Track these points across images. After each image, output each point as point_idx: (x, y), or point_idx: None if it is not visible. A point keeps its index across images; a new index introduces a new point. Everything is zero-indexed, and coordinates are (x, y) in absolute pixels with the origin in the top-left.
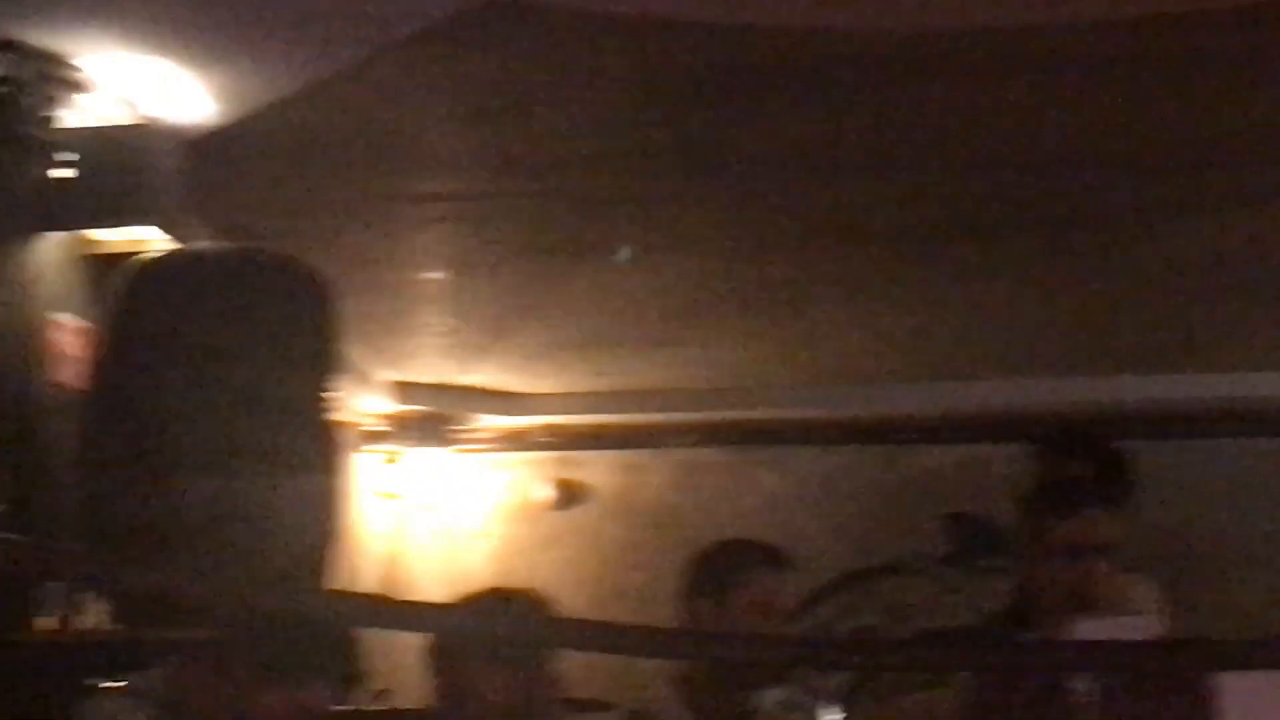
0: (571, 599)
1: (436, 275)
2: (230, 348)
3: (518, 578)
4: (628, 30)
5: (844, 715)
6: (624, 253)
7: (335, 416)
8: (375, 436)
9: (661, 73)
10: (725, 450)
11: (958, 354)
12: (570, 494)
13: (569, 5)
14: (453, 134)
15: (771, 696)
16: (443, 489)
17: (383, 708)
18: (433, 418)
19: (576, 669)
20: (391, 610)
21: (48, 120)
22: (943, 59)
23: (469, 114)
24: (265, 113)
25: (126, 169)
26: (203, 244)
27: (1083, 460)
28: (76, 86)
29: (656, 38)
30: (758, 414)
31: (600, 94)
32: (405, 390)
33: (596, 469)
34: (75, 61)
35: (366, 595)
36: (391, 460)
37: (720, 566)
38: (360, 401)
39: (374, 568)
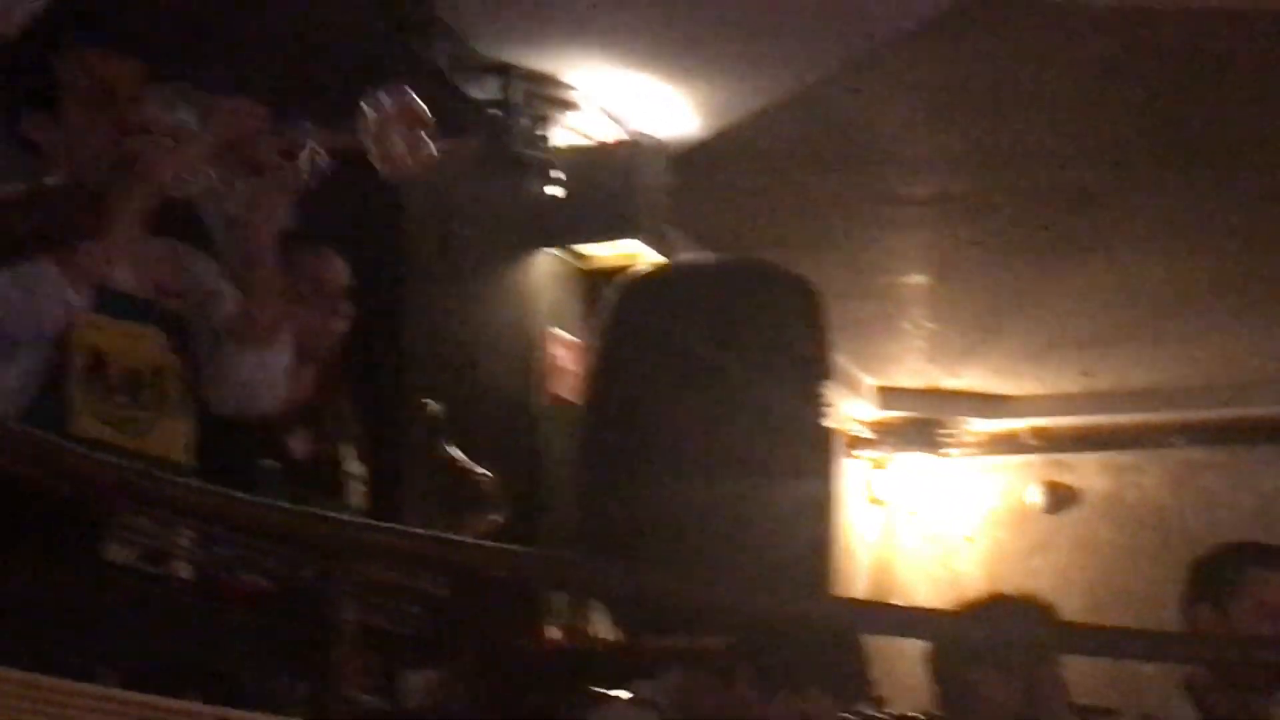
0: (1066, 603)
1: (920, 278)
2: (722, 356)
3: (1009, 583)
4: (1113, 20)
5: None
6: None
7: (826, 423)
8: (863, 443)
9: (1147, 62)
10: (1219, 449)
11: None
12: (1061, 497)
13: None
14: (935, 133)
15: None
16: (931, 494)
17: (885, 715)
18: (919, 423)
19: (1077, 674)
20: (898, 616)
21: (539, 140)
22: None
23: (951, 112)
24: (748, 123)
25: (615, 185)
26: (691, 256)
27: None
28: (565, 105)
29: (1141, 27)
30: (1253, 411)
31: (1085, 86)
32: (891, 395)
33: (1087, 471)
34: (563, 80)
35: (870, 601)
36: (879, 466)
37: (1221, 569)
38: (847, 407)
39: (864, 575)
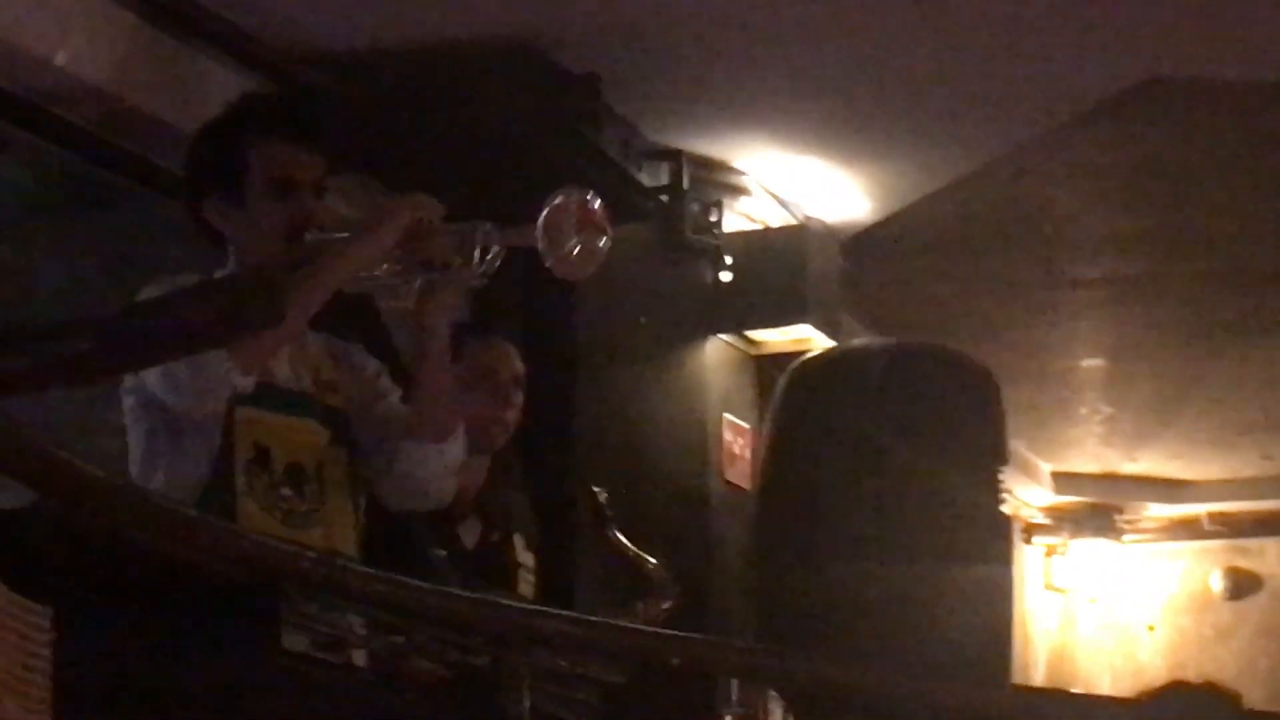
0: (1250, 692)
1: (1096, 362)
2: (898, 442)
3: (1191, 671)
4: None
5: None
6: None
7: (1003, 508)
8: (1040, 529)
9: None
10: None
11: None
12: (1243, 583)
13: (1225, 77)
14: (1109, 215)
15: None
16: (1110, 581)
17: None
18: (1097, 508)
19: None
20: (1078, 705)
21: (710, 225)
22: None
23: (1125, 193)
24: (919, 206)
25: (786, 270)
26: (863, 341)
27: None
28: (735, 190)
29: None
30: None
31: (1259, 164)
32: (1068, 481)
33: (1269, 556)
34: (733, 166)
35: (1051, 690)
36: (1057, 553)
37: None
38: (1024, 493)
39: (1042, 663)
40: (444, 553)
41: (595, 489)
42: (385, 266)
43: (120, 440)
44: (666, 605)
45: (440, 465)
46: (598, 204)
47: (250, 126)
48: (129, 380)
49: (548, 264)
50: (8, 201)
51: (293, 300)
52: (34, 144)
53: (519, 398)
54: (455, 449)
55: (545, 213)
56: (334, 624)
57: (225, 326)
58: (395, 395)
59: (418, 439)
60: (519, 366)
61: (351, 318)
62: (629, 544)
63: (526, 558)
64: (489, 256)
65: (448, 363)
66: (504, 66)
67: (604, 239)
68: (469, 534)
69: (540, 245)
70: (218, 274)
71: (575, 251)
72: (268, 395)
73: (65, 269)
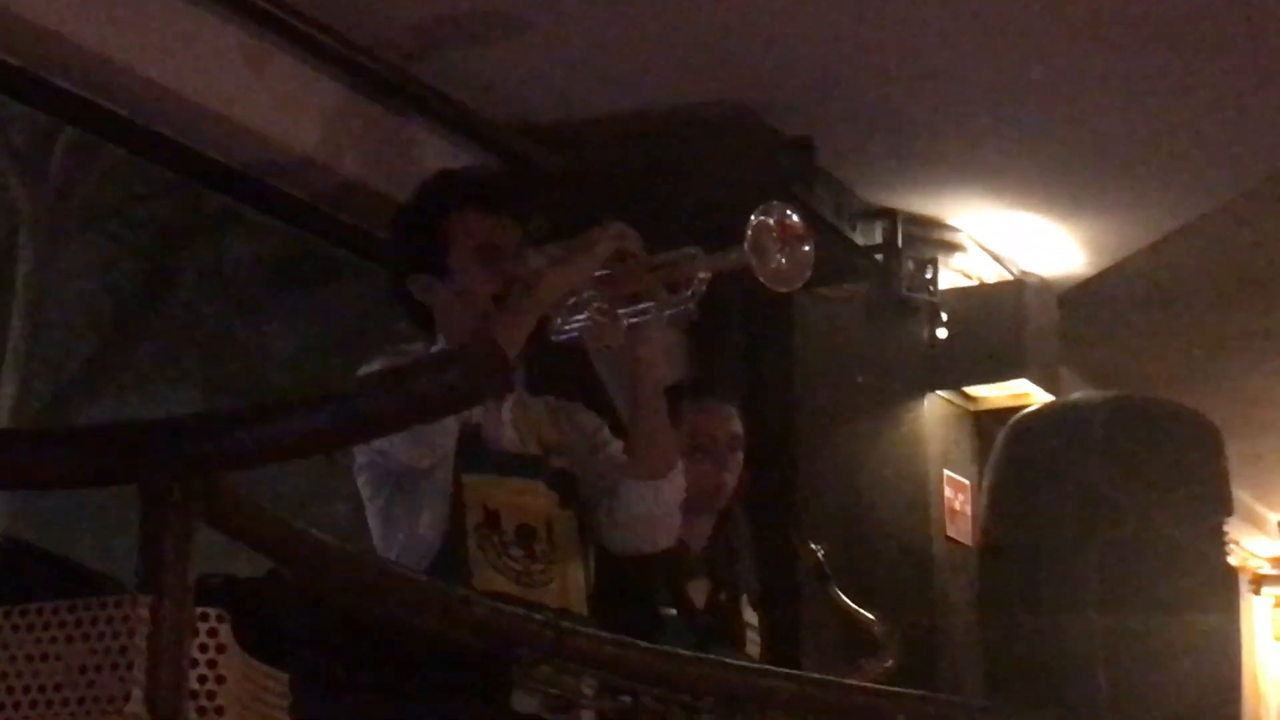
0: None
1: None
2: (1122, 494)
3: None
4: None
5: None
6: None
7: (1228, 558)
8: (1268, 579)
9: None
10: None
11: None
12: None
13: None
14: None
15: None
16: None
17: None
18: None
19: None
20: None
21: (925, 282)
22: None
23: None
24: (1135, 259)
25: (1003, 325)
26: (1084, 394)
27: None
28: (950, 247)
29: None
30: None
31: None
32: None
33: None
34: (947, 223)
35: None
36: None
37: None
38: (1250, 543)
39: (1275, 715)
40: (675, 611)
41: (814, 546)
42: (593, 305)
43: (350, 505)
44: (889, 664)
45: (659, 502)
46: (795, 216)
47: (448, 201)
48: (360, 456)
49: (761, 278)
50: (240, 276)
51: (510, 343)
52: (260, 220)
53: (737, 460)
54: (673, 486)
55: (750, 231)
56: (564, 686)
57: (456, 398)
58: (616, 446)
59: (636, 478)
60: (736, 429)
61: (571, 379)
62: (849, 602)
63: (752, 618)
64: (696, 284)
65: (662, 397)
66: (717, 132)
67: (808, 245)
68: (698, 593)
69: (749, 259)
70: (433, 349)
71: (784, 263)
72: (494, 460)
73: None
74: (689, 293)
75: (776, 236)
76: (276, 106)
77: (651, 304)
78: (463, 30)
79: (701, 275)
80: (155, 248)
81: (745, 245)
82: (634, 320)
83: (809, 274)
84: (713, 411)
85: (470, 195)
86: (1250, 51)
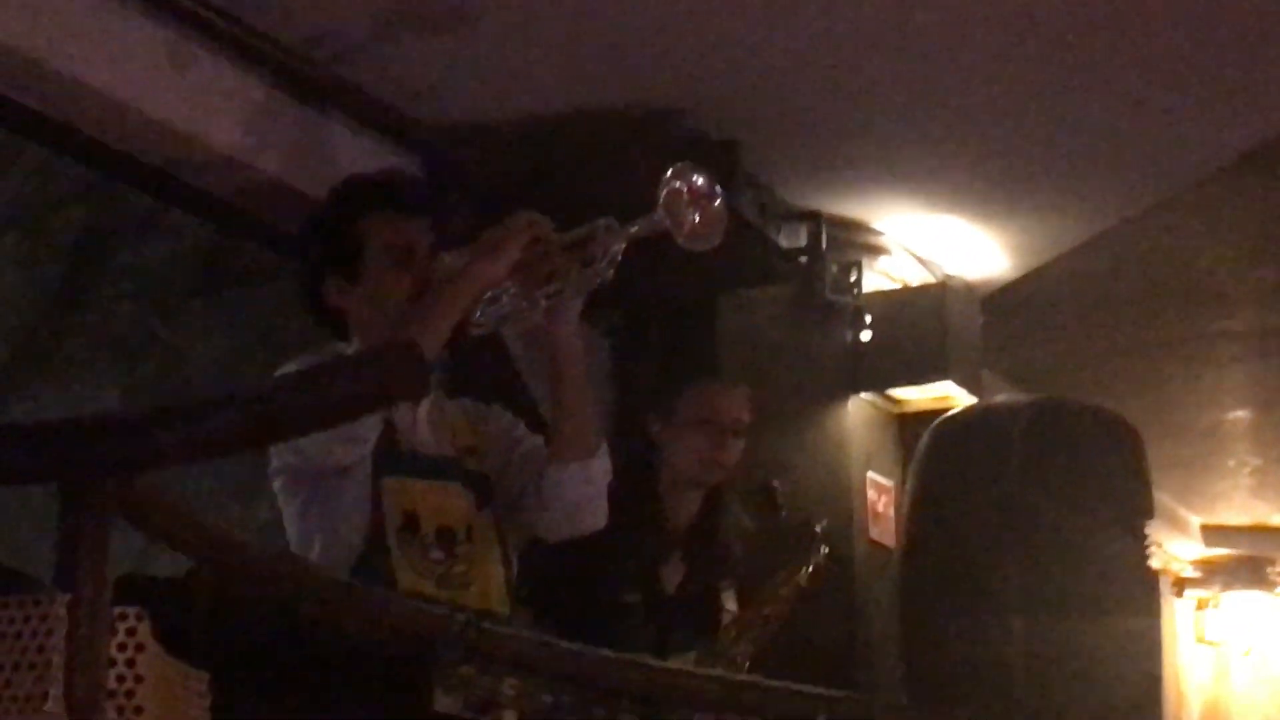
0: None
1: (1242, 414)
2: (1043, 498)
3: None
4: None
5: None
6: None
7: (1150, 562)
8: (1191, 582)
9: None
10: None
11: None
12: None
13: None
14: (1253, 267)
15: None
16: (1264, 633)
17: None
18: (1249, 561)
19: None
20: None
21: (849, 285)
22: None
23: (1268, 245)
24: (1060, 262)
25: (927, 328)
26: (1006, 397)
27: None
28: (874, 250)
29: None
30: None
31: None
32: (1218, 533)
33: None
34: (872, 226)
35: None
36: (1209, 606)
37: None
38: (1173, 546)
39: (1196, 717)
40: (638, 597)
41: (730, 543)
42: (511, 291)
43: (275, 508)
44: (808, 568)
45: (589, 481)
46: (702, 177)
47: (361, 204)
48: (275, 460)
49: (679, 241)
50: (160, 278)
51: (419, 329)
52: (182, 221)
53: (737, 443)
54: (599, 465)
55: (662, 195)
56: (485, 686)
57: (372, 399)
58: (535, 439)
59: (561, 461)
60: (742, 413)
61: (490, 380)
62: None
63: (733, 605)
64: (609, 254)
65: (585, 374)
66: (641, 135)
67: (719, 201)
68: (672, 576)
69: (662, 222)
70: (349, 350)
71: (698, 220)
72: (411, 463)
73: (217, 342)
74: (604, 263)
75: (688, 198)
76: (198, 105)
77: (567, 281)
78: (386, 30)
79: (616, 246)
80: (75, 248)
81: (658, 209)
82: (551, 300)
83: (724, 228)
84: (725, 389)
85: (383, 198)
86: (1174, 57)
